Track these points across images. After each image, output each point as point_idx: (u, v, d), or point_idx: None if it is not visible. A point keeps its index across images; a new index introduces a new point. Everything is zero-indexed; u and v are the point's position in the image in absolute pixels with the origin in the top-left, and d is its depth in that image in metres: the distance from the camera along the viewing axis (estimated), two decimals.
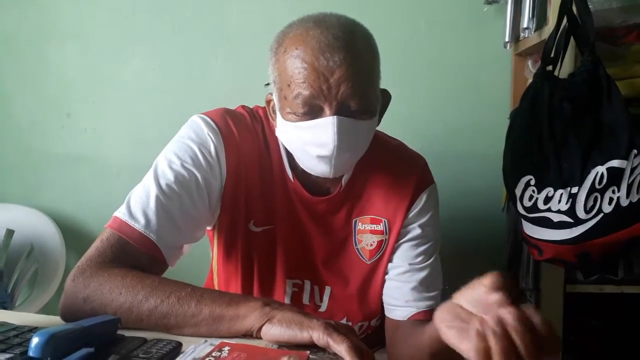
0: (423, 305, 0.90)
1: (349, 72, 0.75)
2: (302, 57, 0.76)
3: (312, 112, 0.78)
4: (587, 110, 1.00)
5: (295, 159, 0.87)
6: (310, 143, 0.79)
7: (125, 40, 1.60)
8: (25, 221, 1.60)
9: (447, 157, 1.49)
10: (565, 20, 1.06)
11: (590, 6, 1.05)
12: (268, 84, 0.85)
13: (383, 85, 1.55)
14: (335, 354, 0.60)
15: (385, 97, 0.90)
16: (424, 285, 0.90)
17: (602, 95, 1.00)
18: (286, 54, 0.78)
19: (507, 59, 1.44)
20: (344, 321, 0.94)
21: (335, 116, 0.76)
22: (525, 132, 1.06)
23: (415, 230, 0.92)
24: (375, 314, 0.96)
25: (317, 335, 0.60)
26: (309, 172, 0.86)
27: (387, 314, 0.94)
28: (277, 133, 0.86)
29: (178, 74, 1.59)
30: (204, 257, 1.04)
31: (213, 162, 0.85)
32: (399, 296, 0.91)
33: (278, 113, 0.83)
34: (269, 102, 0.87)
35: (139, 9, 1.58)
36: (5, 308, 1.43)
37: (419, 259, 0.92)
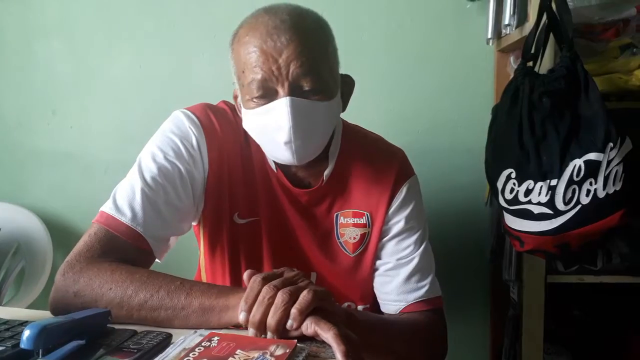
0: (412, 297, 0.92)
1: (298, 51, 0.76)
2: (252, 42, 0.78)
3: (267, 95, 0.79)
4: (566, 105, 1.02)
5: (263, 149, 0.89)
6: (269, 128, 0.80)
7: (111, 37, 1.59)
8: (11, 219, 1.59)
9: (432, 152, 1.51)
10: (545, 17, 1.08)
11: (569, 3, 1.07)
12: (234, 83, 0.86)
13: (369, 78, 1.57)
14: (322, 342, 0.61)
15: (348, 82, 0.90)
16: (413, 277, 0.92)
17: (580, 90, 1.02)
18: (238, 43, 0.81)
19: (490, 55, 1.47)
20: None
21: (288, 97, 0.77)
22: (506, 126, 1.08)
23: (399, 225, 0.93)
24: (362, 302, 0.97)
25: (305, 324, 0.62)
26: (276, 161, 0.87)
27: (382, 308, 0.96)
28: (244, 125, 0.87)
29: (165, 71, 1.58)
30: (192, 256, 1.05)
31: (195, 155, 0.87)
32: (390, 290, 0.93)
33: (242, 105, 0.85)
34: (235, 97, 0.89)
35: (126, 6, 1.57)
36: None
37: (407, 251, 0.93)
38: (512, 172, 1.06)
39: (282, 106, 0.77)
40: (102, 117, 1.63)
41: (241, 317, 0.63)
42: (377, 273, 0.95)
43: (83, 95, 1.63)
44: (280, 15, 0.78)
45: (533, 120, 1.04)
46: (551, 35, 1.10)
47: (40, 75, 1.64)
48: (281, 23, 0.77)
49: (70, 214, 1.69)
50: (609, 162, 0.98)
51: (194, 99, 0.98)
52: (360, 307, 0.98)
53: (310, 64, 0.77)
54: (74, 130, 1.65)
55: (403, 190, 0.94)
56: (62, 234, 1.66)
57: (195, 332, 0.64)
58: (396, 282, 0.92)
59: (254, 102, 0.80)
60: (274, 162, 0.91)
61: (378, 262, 0.95)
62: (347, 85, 0.90)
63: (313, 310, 0.62)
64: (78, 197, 1.66)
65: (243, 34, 0.80)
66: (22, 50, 1.64)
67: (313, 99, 0.79)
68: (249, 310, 0.62)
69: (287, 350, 0.57)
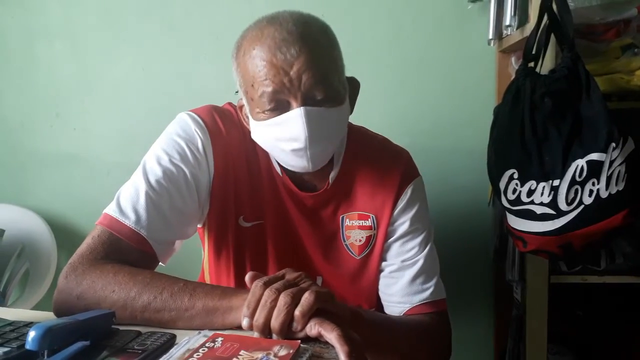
0: (417, 299, 0.92)
1: (308, 62, 0.76)
2: (260, 55, 0.77)
3: (279, 107, 0.78)
4: (568, 105, 1.02)
5: (274, 157, 0.89)
6: (283, 139, 0.80)
7: (114, 39, 1.60)
8: (15, 221, 1.60)
9: (434, 153, 1.51)
10: (545, 18, 1.08)
11: (570, 4, 1.07)
12: (237, 92, 0.86)
13: (371, 80, 1.58)
14: (326, 343, 0.61)
15: (354, 85, 0.90)
16: (418, 278, 0.92)
17: (582, 91, 1.02)
18: (245, 55, 0.79)
19: (491, 55, 1.47)
20: None
21: (302, 107, 0.77)
22: (507, 127, 1.08)
23: (404, 226, 0.93)
24: (367, 304, 0.97)
25: (309, 325, 0.62)
26: (290, 168, 0.87)
27: (386, 310, 0.96)
28: (253, 136, 0.87)
29: (167, 73, 1.59)
30: (195, 257, 1.05)
31: (200, 158, 0.87)
32: (394, 292, 0.93)
33: (249, 116, 0.85)
34: (240, 108, 0.88)
35: (128, 9, 1.58)
36: None
37: (411, 253, 0.93)
38: (514, 173, 1.06)
39: (297, 117, 0.77)
40: (104, 119, 1.64)
41: (244, 322, 0.63)
42: (381, 274, 0.95)
43: (85, 97, 1.64)
44: (286, 26, 0.77)
45: (535, 120, 1.04)
46: (552, 35, 1.10)
47: (42, 77, 1.65)
48: (288, 35, 0.76)
49: (74, 215, 1.69)
50: (611, 162, 0.98)
51: (197, 101, 0.99)
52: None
53: (321, 74, 0.77)
54: (77, 133, 1.66)
55: (408, 192, 0.94)
56: (66, 236, 1.67)
57: (199, 333, 0.64)
58: (401, 283, 0.92)
59: (265, 114, 0.80)
60: (279, 165, 0.91)
61: (383, 264, 0.95)
62: (353, 88, 0.90)
63: (317, 311, 0.62)
64: (81, 199, 1.67)
65: (249, 47, 0.79)
66: (24, 53, 1.65)
67: (326, 106, 0.79)
68: (251, 316, 0.62)
69: (291, 351, 0.57)
